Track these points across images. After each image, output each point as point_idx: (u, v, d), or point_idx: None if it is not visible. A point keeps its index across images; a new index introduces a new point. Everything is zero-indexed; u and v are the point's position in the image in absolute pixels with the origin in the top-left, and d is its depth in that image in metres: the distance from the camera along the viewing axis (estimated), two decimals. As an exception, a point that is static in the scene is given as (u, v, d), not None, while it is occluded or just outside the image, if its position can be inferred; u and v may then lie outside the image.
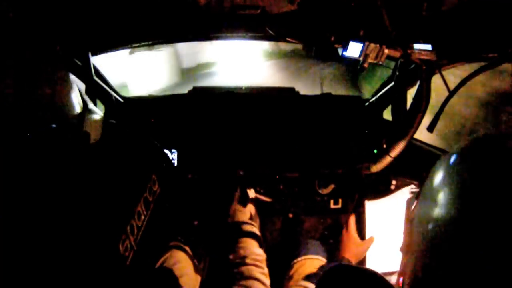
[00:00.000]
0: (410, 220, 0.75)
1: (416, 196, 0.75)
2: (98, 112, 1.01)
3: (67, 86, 0.89)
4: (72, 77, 0.97)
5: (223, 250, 1.16)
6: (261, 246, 1.25)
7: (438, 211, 0.61)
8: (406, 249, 0.75)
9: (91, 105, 0.99)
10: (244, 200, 1.37)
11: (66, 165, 0.89)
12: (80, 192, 0.89)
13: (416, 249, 0.67)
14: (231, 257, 1.17)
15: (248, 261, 1.16)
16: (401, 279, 0.76)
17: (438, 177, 0.64)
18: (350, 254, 1.58)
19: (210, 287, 1.74)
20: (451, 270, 0.56)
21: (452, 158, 0.63)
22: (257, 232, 1.31)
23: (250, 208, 1.43)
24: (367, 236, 1.75)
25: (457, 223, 0.56)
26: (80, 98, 0.94)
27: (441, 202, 0.61)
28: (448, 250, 0.57)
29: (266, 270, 1.19)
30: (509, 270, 0.50)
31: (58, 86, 0.86)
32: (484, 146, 0.62)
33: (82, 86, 1.76)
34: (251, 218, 1.42)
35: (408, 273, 0.71)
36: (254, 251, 1.21)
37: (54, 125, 0.81)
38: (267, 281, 1.17)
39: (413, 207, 0.79)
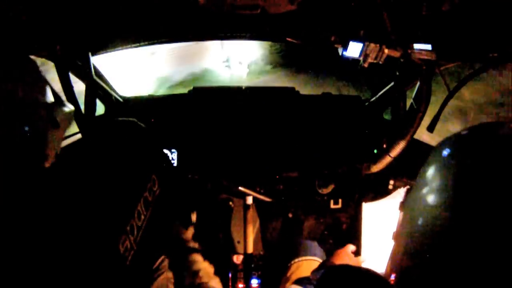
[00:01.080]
0: (402, 207, 0.76)
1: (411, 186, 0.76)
2: (68, 105, 1.01)
3: (37, 79, 0.89)
4: (42, 68, 0.96)
5: (175, 266, 1.27)
6: (204, 260, 1.40)
7: (429, 200, 0.62)
8: (397, 235, 0.76)
9: (62, 97, 0.99)
10: (186, 223, 1.46)
11: (69, 164, 0.89)
12: (79, 192, 0.89)
13: (405, 235, 0.68)
14: (185, 272, 1.30)
15: (201, 273, 1.31)
16: (392, 276, 0.76)
17: (431, 167, 0.65)
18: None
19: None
20: (439, 256, 0.57)
21: (444, 149, 0.64)
22: (199, 248, 1.44)
23: (192, 230, 1.51)
24: (363, 237, 1.75)
25: (447, 212, 0.57)
26: (50, 90, 0.94)
27: (432, 192, 0.62)
28: (435, 237, 0.58)
29: (218, 279, 1.35)
30: (495, 254, 0.50)
31: (28, 80, 0.85)
32: (476, 136, 0.63)
33: (82, 86, 1.77)
34: (192, 237, 1.51)
35: (396, 260, 0.72)
36: (203, 265, 1.35)
37: (26, 127, 0.81)
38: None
39: (406, 194, 0.80)
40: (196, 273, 1.30)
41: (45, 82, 0.92)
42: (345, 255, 1.58)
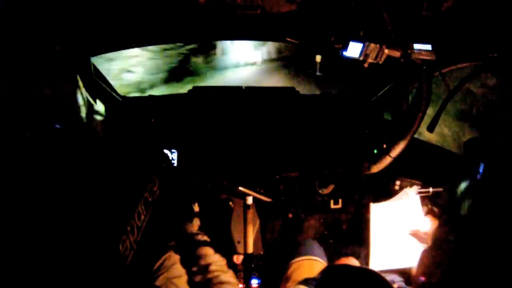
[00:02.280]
0: (439, 218, 0.79)
1: (446, 198, 0.79)
2: (101, 112, 1.02)
3: (72, 86, 0.90)
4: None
5: (184, 261, 1.20)
6: (215, 252, 1.29)
7: (466, 214, 0.64)
8: (434, 242, 0.78)
9: (96, 106, 1.00)
10: (190, 215, 1.40)
11: (70, 165, 0.89)
12: (80, 192, 0.89)
13: (444, 243, 0.69)
14: (194, 268, 1.21)
15: (212, 268, 1.20)
16: (421, 279, 0.78)
17: (464, 183, 0.68)
18: None
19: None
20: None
21: (477, 168, 0.67)
22: (208, 240, 1.34)
23: (197, 221, 1.45)
24: (372, 238, 1.75)
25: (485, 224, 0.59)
26: (85, 98, 0.95)
27: (468, 208, 0.64)
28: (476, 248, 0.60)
29: (231, 272, 1.25)
30: None
31: (63, 86, 0.86)
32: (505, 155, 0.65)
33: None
34: (198, 229, 1.44)
35: (430, 265, 0.73)
36: (214, 258, 1.25)
37: (58, 126, 0.82)
38: (236, 281, 1.23)
39: (443, 206, 0.82)
40: (207, 267, 1.20)
41: (75, 87, 0.93)
42: (350, 262, 1.58)
